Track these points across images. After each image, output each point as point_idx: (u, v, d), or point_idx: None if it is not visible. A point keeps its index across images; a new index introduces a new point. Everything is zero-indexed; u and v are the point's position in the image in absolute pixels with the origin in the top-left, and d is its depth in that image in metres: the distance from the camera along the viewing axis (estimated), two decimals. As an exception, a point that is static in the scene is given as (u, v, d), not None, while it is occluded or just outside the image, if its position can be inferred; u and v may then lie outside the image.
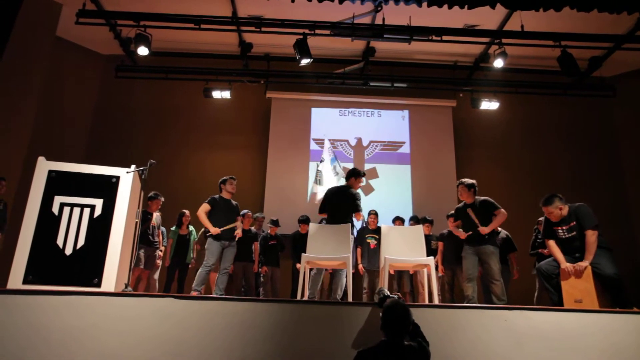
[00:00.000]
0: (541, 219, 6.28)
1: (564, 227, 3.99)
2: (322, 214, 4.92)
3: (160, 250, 6.29)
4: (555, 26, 6.94)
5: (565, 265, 3.86)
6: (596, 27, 6.98)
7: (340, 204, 4.73)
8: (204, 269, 4.94)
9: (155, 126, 8.68)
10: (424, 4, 6.55)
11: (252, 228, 6.62)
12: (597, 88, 8.44)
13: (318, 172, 7.61)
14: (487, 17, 7.28)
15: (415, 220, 6.86)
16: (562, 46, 6.95)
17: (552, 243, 4.06)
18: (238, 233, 5.21)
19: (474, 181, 4.76)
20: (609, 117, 8.88)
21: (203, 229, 5.62)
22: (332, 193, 4.90)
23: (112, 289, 3.41)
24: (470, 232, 4.57)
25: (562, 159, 8.69)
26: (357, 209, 4.64)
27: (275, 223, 6.72)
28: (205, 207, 5.14)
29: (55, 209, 3.52)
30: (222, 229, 5.04)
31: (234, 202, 5.37)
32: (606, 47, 7.81)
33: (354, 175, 4.89)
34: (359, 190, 4.96)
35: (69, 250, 3.45)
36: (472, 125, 8.96)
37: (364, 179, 5.01)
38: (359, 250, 6.45)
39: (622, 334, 2.97)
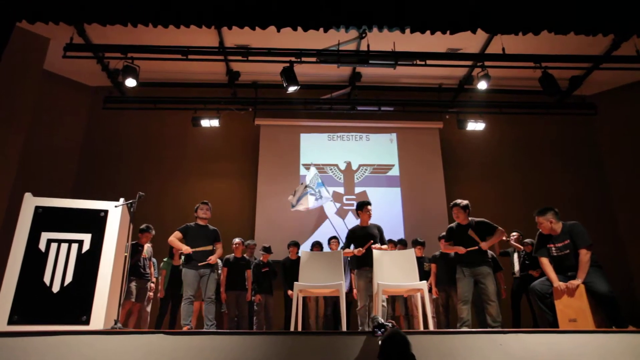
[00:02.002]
0: (528, 240, 6.38)
1: (557, 245, 4.02)
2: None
3: (152, 282, 6.20)
4: (535, 48, 7.13)
5: (557, 284, 3.88)
6: (575, 48, 7.17)
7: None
8: (185, 302, 4.82)
9: (145, 156, 8.65)
10: (407, 30, 6.69)
11: (244, 255, 6.56)
12: (579, 107, 8.63)
13: (295, 190, 7.71)
14: (469, 41, 7.46)
15: (403, 244, 6.83)
16: (542, 67, 7.12)
17: (545, 261, 4.08)
18: (211, 259, 4.96)
19: (467, 202, 4.79)
20: (593, 133, 9.05)
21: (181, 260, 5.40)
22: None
23: (101, 326, 3.33)
24: (475, 247, 4.55)
25: (550, 176, 8.79)
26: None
27: (267, 250, 6.67)
28: (176, 234, 5.05)
29: (42, 246, 3.47)
30: (194, 249, 4.90)
31: (211, 227, 5.21)
32: (585, 67, 8.03)
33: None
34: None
35: (56, 288, 3.39)
36: (459, 146, 9.07)
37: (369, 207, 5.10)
38: (352, 275, 6.40)
39: (617, 353, 2.96)
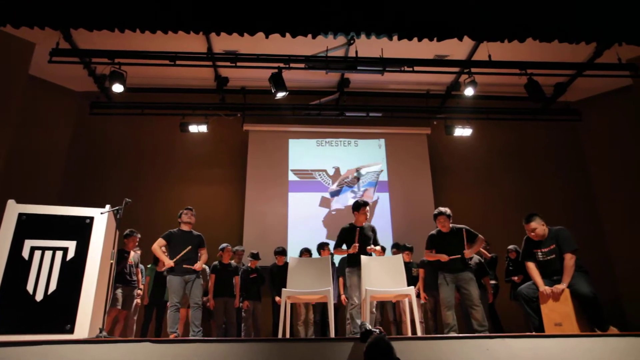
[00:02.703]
0: (511, 246, 6.48)
1: (543, 250, 4.08)
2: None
3: (140, 289, 6.13)
4: (521, 55, 7.23)
5: (543, 288, 3.92)
6: (559, 55, 7.29)
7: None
8: (171, 309, 4.78)
9: (132, 162, 8.57)
10: (395, 37, 6.75)
11: (232, 262, 6.53)
12: (564, 112, 8.78)
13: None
14: (456, 48, 7.55)
15: (397, 247, 6.88)
16: (527, 74, 7.23)
17: (531, 266, 4.14)
18: (196, 267, 4.93)
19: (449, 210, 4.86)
20: (579, 139, 9.18)
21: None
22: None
23: (86, 335, 3.29)
24: (457, 256, 4.59)
25: (536, 182, 8.90)
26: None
27: (255, 256, 6.64)
28: (160, 242, 5.00)
29: (25, 254, 3.41)
30: (175, 259, 4.85)
31: (195, 233, 5.16)
32: (569, 74, 8.16)
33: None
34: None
35: (39, 296, 3.33)
36: (447, 152, 9.15)
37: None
38: (340, 280, 6.40)
39: (602, 357, 3.00)
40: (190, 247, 4.95)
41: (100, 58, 6.95)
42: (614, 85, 8.42)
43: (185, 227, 5.13)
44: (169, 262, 4.84)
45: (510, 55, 7.25)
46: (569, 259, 3.90)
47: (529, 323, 4.12)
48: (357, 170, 8.18)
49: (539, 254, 4.11)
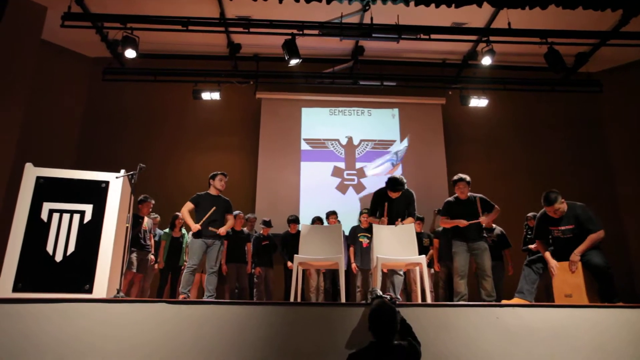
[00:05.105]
0: (530, 214, 6.38)
1: (561, 228, 3.99)
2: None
3: (153, 254, 6.26)
4: (542, 23, 7.00)
5: (553, 263, 3.92)
6: (582, 23, 7.05)
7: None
8: (187, 270, 4.83)
9: (145, 129, 8.61)
10: (412, 3, 6.57)
11: (244, 229, 6.61)
12: (584, 84, 8.53)
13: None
14: (475, 15, 7.33)
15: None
16: (548, 43, 7.01)
17: (541, 243, 4.12)
18: (221, 231, 4.91)
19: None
20: (598, 111, 8.97)
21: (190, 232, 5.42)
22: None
23: (104, 295, 3.39)
24: (476, 220, 4.56)
25: (553, 153, 8.77)
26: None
27: (267, 224, 6.71)
28: (188, 206, 4.98)
29: (44, 216, 3.49)
30: (201, 222, 4.83)
31: (223, 197, 5.14)
32: (592, 43, 7.90)
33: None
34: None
35: (59, 257, 3.42)
36: (461, 122, 9.02)
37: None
38: (351, 249, 6.47)
39: (612, 328, 3.01)
40: (215, 207, 4.92)
41: (112, 23, 6.90)
42: (639, 55, 8.15)
43: (213, 192, 5.10)
44: (195, 227, 4.83)
45: (531, 23, 7.02)
46: (596, 235, 3.84)
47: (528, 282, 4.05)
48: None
49: (558, 231, 4.03)
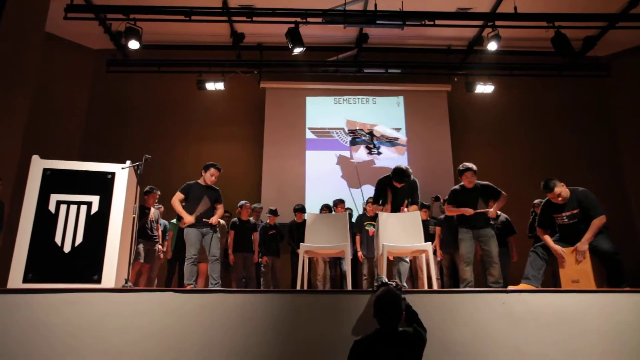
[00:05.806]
0: (537, 201, 6.34)
1: (566, 213, 3.97)
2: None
3: (161, 244, 6.31)
4: (548, 6, 6.91)
5: (558, 249, 3.89)
6: (589, 6, 6.94)
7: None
8: (188, 262, 4.85)
9: (150, 120, 8.63)
10: (416, -12, 6.50)
11: (251, 218, 6.64)
12: (592, 68, 8.43)
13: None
14: (480, 0, 7.23)
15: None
16: (555, 27, 6.91)
17: (543, 232, 4.09)
18: (212, 220, 4.90)
19: None
20: (606, 96, 8.86)
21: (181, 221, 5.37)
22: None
23: (112, 285, 3.42)
24: (485, 210, 4.54)
25: (559, 139, 8.69)
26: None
27: (274, 213, 6.72)
28: (178, 196, 4.95)
29: (51, 207, 3.51)
30: (194, 216, 4.84)
31: (214, 187, 5.11)
32: (600, 27, 7.77)
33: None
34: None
35: (67, 248, 3.45)
36: (467, 109, 8.95)
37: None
38: (357, 237, 6.48)
39: (619, 313, 3.00)
40: (205, 197, 4.93)
41: (115, 14, 6.88)
42: (648, 38, 8.03)
43: (203, 182, 5.10)
44: (189, 219, 4.84)
45: (537, 7, 6.92)
46: (600, 220, 3.81)
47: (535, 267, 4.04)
48: (371, 130, 8.07)
49: (563, 218, 4.00)
